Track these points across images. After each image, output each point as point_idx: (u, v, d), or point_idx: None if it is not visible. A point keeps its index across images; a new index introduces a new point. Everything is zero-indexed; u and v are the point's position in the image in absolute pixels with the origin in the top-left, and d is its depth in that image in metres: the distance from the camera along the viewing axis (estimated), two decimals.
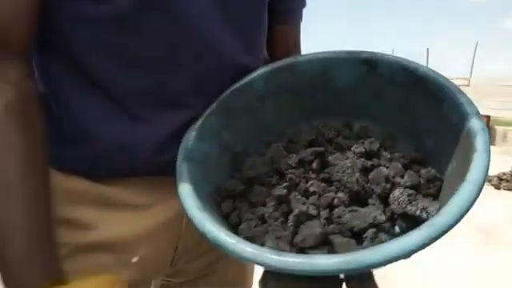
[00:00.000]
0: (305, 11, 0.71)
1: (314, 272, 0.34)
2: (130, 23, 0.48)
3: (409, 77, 0.50)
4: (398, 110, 0.53)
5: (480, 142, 0.41)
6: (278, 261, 0.35)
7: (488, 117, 9.91)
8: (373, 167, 0.47)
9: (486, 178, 0.39)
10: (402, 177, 0.46)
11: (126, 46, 0.50)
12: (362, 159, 0.48)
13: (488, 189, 4.68)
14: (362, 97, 0.54)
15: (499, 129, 9.99)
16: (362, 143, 0.50)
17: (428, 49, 15.00)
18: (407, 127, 0.53)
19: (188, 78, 0.52)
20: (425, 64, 0.52)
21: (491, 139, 8.65)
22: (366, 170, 0.47)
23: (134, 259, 0.54)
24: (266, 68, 0.56)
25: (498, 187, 4.68)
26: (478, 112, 0.44)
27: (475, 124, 0.43)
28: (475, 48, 13.79)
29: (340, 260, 0.34)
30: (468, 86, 12.59)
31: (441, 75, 0.48)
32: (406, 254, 0.34)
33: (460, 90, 0.47)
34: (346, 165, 0.46)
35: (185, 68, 0.52)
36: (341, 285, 0.39)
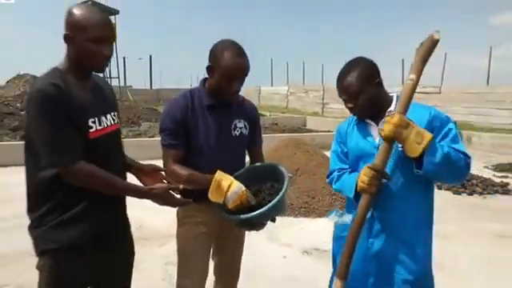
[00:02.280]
0: None
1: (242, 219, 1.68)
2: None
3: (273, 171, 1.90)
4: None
5: (286, 184, 1.71)
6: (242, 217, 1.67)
7: (454, 122, 11.47)
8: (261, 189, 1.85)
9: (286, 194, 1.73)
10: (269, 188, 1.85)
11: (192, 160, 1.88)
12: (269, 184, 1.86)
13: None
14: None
15: (464, 133, 11.49)
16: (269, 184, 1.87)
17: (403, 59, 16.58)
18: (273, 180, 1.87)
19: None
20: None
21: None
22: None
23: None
24: (245, 168, 1.95)
25: (440, 187, 6.28)
26: (286, 176, 1.77)
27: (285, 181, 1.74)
28: (445, 58, 15.43)
29: (245, 216, 1.67)
30: (439, 93, 14.19)
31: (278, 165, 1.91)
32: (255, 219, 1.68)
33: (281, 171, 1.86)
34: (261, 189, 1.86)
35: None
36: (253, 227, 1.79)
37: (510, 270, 3.57)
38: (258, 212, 1.63)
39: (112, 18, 25.32)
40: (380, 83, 1.69)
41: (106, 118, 1.62)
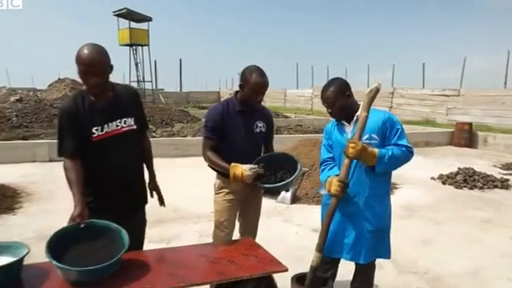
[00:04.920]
0: None
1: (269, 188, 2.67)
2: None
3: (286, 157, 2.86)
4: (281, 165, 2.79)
5: (299, 168, 2.67)
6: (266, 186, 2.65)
7: (470, 124, 12.01)
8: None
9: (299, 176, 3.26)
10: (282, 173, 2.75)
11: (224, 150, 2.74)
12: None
13: (436, 183, 7.23)
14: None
15: (481, 134, 11.96)
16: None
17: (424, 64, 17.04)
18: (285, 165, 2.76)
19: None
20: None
21: (474, 143, 11.08)
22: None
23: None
24: (264, 155, 2.85)
25: (444, 183, 7.00)
26: (297, 160, 2.76)
27: (296, 165, 2.70)
28: (464, 62, 15.82)
29: (268, 186, 2.64)
30: (458, 95, 14.63)
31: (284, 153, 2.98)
32: (278, 188, 2.72)
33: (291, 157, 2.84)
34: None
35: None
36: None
37: (482, 245, 4.33)
38: (277, 185, 2.60)
39: (145, 24, 26.76)
40: (350, 95, 2.51)
41: (110, 124, 2.25)
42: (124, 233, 2.02)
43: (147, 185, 2.61)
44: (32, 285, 1.85)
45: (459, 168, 7.64)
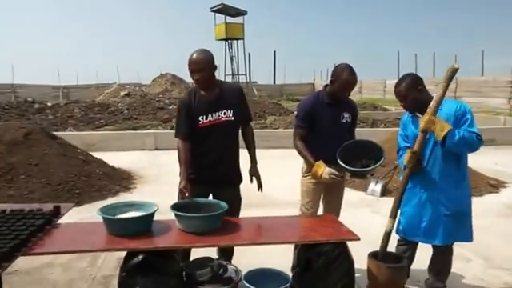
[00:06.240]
0: None
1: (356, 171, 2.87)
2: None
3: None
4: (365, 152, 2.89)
5: (382, 158, 2.77)
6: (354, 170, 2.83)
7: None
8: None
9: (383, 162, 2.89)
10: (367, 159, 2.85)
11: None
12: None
13: None
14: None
15: None
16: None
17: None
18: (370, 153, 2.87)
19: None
20: None
21: None
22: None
23: None
24: (350, 141, 3.00)
25: None
26: (382, 148, 2.87)
27: (382, 152, 2.82)
28: None
29: (356, 169, 2.81)
30: None
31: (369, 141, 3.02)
32: (365, 172, 2.89)
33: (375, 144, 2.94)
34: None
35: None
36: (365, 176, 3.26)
37: None
38: (364, 169, 2.81)
39: (240, 18, 27.64)
40: (422, 89, 2.61)
41: (214, 114, 2.74)
42: (223, 203, 2.55)
43: (249, 170, 3.00)
44: (159, 233, 2.41)
45: None
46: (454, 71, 2.41)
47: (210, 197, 2.87)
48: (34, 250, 2.13)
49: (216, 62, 2.77)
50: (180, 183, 2.68)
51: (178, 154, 2.80)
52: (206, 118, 2.75)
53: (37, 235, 2.24)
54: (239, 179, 2.99)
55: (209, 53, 2.73)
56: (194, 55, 2.68)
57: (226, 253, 2.91)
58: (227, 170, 2.88)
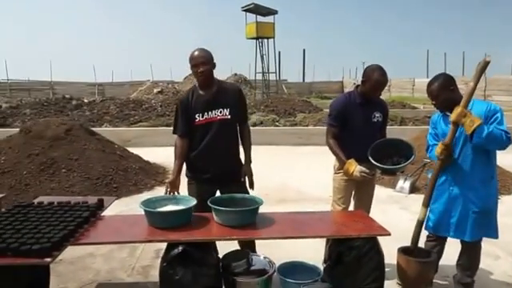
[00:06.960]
0: None
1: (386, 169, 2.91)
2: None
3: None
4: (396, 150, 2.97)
5: (412, 156, 2.82)
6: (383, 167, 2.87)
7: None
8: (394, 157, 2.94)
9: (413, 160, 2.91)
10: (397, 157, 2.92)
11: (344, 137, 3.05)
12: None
13: None
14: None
15: None
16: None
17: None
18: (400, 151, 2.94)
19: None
20: None
21: None
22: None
23: None
24: (380, 140, 3.04)
25: None
26: (412, 146, 2.93)
27: (412, 150, 2.88)
28: None
29: (387, 167, 2.86)
30: None
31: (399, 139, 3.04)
32: (395, 169, 2.95)
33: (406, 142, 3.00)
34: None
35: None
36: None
37: None
38: (394, 167, 2.87)
39: (271, 17, 27.67)
40: (454, 90, 2.65)
41: (210, 112, 2.82)
42: (259, 198, 2.66)
43: (242, 168, 3.03)
44: (198, 226, 2.53)
45: None
46: (486, 64, 2.44)
47: (218, 193, 2.97)
48: (80, 240, 2.30)
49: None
50: (170, 177, 2.91)
51: (175, 150, 2.94)
52: (202, 116, 2.86)
53: (83, 226, 2.41)
54: (240, 175, 3.04)
55: (207, 50, 2.88)
56: (197, 51, 2.83)
57: (248, 247, 2.98)
58: (228, 167, 2.96)
